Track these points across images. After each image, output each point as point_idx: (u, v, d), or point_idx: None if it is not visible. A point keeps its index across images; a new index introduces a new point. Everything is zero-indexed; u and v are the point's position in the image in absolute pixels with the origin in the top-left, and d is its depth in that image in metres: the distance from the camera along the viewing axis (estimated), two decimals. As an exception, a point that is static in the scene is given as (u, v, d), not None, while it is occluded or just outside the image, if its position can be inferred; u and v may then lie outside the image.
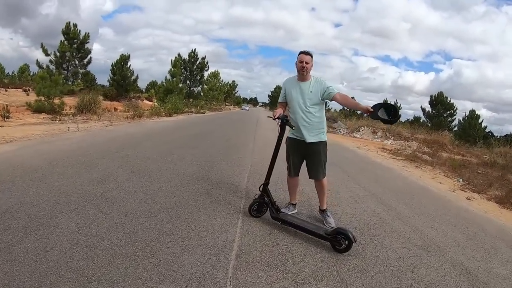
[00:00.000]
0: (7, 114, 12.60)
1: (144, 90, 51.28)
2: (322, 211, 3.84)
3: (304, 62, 3.42)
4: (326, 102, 3.65)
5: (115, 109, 20.20)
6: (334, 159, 8.83)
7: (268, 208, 3.52)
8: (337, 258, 2.94)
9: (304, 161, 3.72)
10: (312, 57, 3.49)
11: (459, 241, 3.81)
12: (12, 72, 48.01)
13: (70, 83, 28.74)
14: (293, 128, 3.47)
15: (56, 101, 15.81)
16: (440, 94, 38.87)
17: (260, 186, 3.53)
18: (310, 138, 3.53)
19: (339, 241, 3.01)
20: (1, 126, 9.97)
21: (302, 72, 3.46)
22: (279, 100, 3.81)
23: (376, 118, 3.17)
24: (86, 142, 7.40)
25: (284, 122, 3.34)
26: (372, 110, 3.17)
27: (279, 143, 3.37)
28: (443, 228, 4.19)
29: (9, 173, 4.32)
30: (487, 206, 5.98)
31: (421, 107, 42.42)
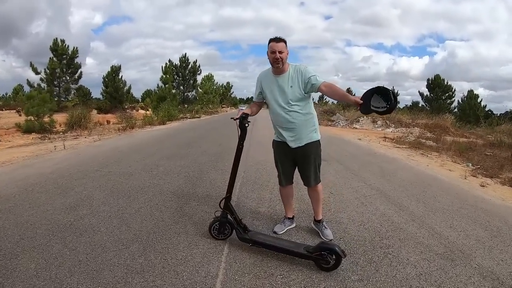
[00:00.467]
0: None
1: (140, 99, 51.01)
2: (318, 221, 3.28)
3: (277, 52, 2.78)
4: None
5: (108, 122, 19.69)
6: (335, 155, 8.32)
7: (234, 228, 2.93)
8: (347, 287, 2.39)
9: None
10: (286, 43, 2.85)
11: (483, 240, 3.27)
12: (6, 94, 47.71)
13: (63, 99, 28.38)
14: (247, 125, 2.82)
15: (46, 119, 15.41)
16: (437, 77, 38.42)
17: (221, 202, 2.92)
18: (297, 141, 2.95)
19: (325, 258, 2.50)
20: None
21: (276, 64, 2.83)
22: (253, 99, 3.20)
23: (368, 112, 2.46)
24: (69, 161, 6.88)
25: (242, 122, 2.79)
26: (362, 101, 2.46)
27: (239, 148, 2.84)
28: (463, 226, 3.65)
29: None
30: (503, 191, 5.46)
31: (418, 91, 42.50)
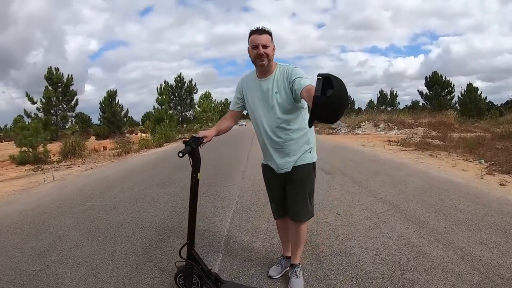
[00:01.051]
0: None
1: (140, 122, 50.85)
2: (291, 265, 2.56)
3: (260, 46, 2.15)
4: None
5: (104, 148, 19.12)
6: (339, 165, 7.77)
7: (201, 281, 2.22)
8: None
9: None
10: (271, 35, 2.22)
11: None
12: (6, 125, 47.60)
13: (61, 127, 28.09)
14: (201, 145, 2.21)
15: (41, 149, 14.95)
16: (435, 73, 38.38)
17: (181, 249, 2.24)
18: (285, 165, 2.30)
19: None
20: None
21: (261, 61, 2.18)
22: (229, 107, 2.56)
23: (321, 119, 1.40)
24: (53, 195, 6.38)
25: (192, 149, 2.11)
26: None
27: (193, 183, 2.18)
28: (493, 239, 3.09)
29: None
30: (525, 189, 4.88)
31: (418, 90, 42.73)
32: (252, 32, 2.20)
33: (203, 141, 2.22)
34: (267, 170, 2.45)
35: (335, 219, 3.87)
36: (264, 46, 2.15)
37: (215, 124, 2.51)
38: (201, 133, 2.25)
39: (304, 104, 2.22)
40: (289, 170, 2.29)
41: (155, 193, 5.79)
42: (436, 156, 9.06)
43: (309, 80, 2.05)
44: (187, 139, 2.15)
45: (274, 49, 2.24)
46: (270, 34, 2.21)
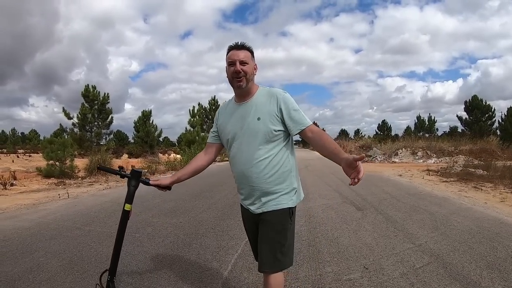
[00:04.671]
0: (12, 182, 12.10)
1: (176, 143, 51.93)
2: None
3: (238, 63, 1.91)
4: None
5: (132, 166, 19.28)
6: (372, 199, 7.11)
7: None
8: None
9: None
10: (252, 53, 2.00)
11: None
12: (44, 137, 50.04)
13: (95, 144, 28.87)
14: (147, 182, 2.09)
15: (68, 163, 15.22)
16: (475, 97, 37.21)
17: (101, 275, 1.98)
18: (256, 204, 1.97)
19: None
20: None
21: (238, 81, 1.93)
22: (207, 140, 2.30)
23: None
24: (56, 214, 6.22)
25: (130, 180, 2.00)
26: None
27: (122, 216, 1.99)
28: None
29: None
30: None
31: (457, 115, 41.93)
32: (230, 48, 1.99)
33: (148, 181, 2.10)
34: (244, 212, 2.16)
35: (361, 276, 3.18)
36: (242, 63, 1.92)
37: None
38: (153, 182, 2.12)
39: (288, 136, 2.00)
40: (260, 212, 1.96)
41: (160, 223, 5.40)
42: (481, 189, 8.35)
43: (307, 117, 1.94)
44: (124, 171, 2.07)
45: (255, 69, 2.03)
46: (250, 51, 2.00)
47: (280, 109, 1.90)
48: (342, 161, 1.72)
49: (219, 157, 28.57)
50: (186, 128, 26.37)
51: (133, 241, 4.36)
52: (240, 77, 1.91)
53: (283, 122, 1.92)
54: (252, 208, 1.99)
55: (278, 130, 1.91)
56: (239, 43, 1.98)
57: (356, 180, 1.68)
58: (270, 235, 1.94)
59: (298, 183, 2.06)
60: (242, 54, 1.93)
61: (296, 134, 1.95)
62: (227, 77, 2.00)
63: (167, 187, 2.14)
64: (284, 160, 1.96)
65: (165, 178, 2.16)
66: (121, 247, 1.98)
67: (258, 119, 1.91)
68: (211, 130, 2.23)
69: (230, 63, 1.94)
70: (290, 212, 1.96)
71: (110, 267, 1.95)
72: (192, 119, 26.27)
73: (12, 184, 11.92)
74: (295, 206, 2.01)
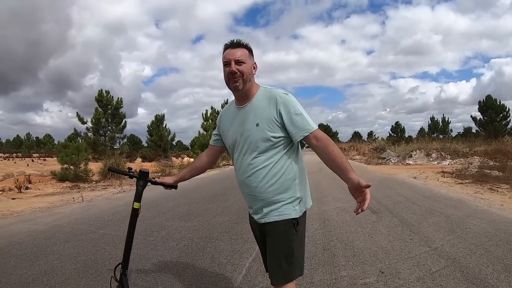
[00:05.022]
0: (27, 185, 12.48)
1: (189, 147, 52.30)
2: None
3: (233, 63, 1.80)
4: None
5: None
6: (387, 202, 7.01)
7: None
8: None
9: None
10: (250, 51, 1.88)
11: None
12: (58, 142, 50.80)
13: (109, 148, 29.16)
14: (154, 182, 2.14)
15: (82, 167, 15.41)
16: (489, 97, 37.03)
17: (116, 268, 2.12)
18: (261, 215, 1.87)
19: None
20: (13, 198, 9.75)
21: (234, 82, 1.82)
22: (210, 142, 2.23)
23: None
24: (70, 218, 6.27)
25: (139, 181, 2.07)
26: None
27: (132, 214, 2.08)
28: None
29: None
30: None
31: (471, 116, 41.44)
32: (226, 47, 1.86)
33: (154, 180, 2.14)
34: (251, 221, 2.07)
35: (377, 280, 3.12)
36: (238, 62, 1.79)
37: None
38: (158, 180, 2.16)
39: (292, 141, 1.85)
40: (265, 221, 1.85)
41: (174, 226, 5.39)
42: (497, 190, 8.18)
43: (311, 121, 1.78)
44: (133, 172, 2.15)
45: (255, 68, 1.89)
46: (248, 48, 1.87)
47: (280, 114, 1.77)
48: (348, 181, 1.61)
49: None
50: (199, 132, 26.56)
51: (147, 245, 4.36)
52: (236, 78, 1.80)
53: (284, 128, 1.78)
54: (255, 217, 1.92)
55: (279, 137, 1.79)
56: (235, 41, 1.86)
57: (360, 210, 1.57)
58: (275, 247, 1.84)
59: (305, 191, 1.92)
60: (239, 53, 1.81)
61: (300, 141, 1.81)
62: (224, 78, 1.89)
63: (172, 186, 2.16)
64: (286, 168, 1.83)
65: (169, 177, 2.17)
66: (132, 242, 2.05)
67: (257, 125, 1.80)
68: (213, 132, 2.17)
69: (226, 63, 1.83)
70: (294, 222, 1.82)
71: (123, 261, 2.04)
72: (205, 123, 26.42)
73: (27, 188, 12.25)
74: (301, 216, 1.86)
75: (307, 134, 1.74)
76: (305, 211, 1.91)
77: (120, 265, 2.06)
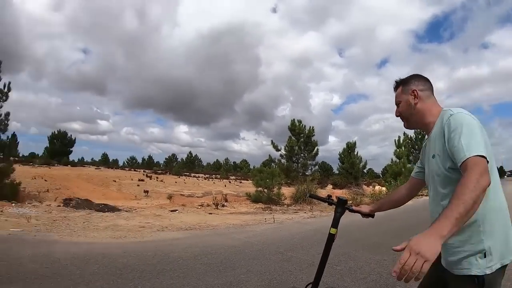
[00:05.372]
0: (223, 203, 14.29)
1: (380, 175, 50.61)
2: None
3: (396, 107, 1.75)
4: None
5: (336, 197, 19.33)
6: None
7: None
8: None
9: None
10: (403, 84, 1.70)
11: None
12: (254, 166, 56.54)
13: (301, 174, 30.50)
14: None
15: (275, 191, 16.36)
16: None
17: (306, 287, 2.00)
18: (443, 259, 1.52)
19: None
20: (210, 213, 11.12)
21: (403, 123, 1.76)
22: (412, 174, 1.97)
23: None
24: (262, 237, 6.52)
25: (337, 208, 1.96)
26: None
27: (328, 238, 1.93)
28: None
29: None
30: None
31: None
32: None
33: (352, 208, 2.02)
34: None
35: None
36: (397, 104, 1.74)
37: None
38: (355, 208, 2.05)
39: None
40: (444, 270, 1.52)
41: (363, 258, 4.87)
42: None
43: (473, 146, 1.29)
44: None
45: (415, 96, 1.64)
46: (402, 83, 1.72)
47: (445, 138, 1.42)
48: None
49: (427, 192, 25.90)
50: (391, 159, 25.02)
51: (333, 274, 4.04)
52: (402, 120, 1.74)
53: (452, 155, 1.39)
54: (443, 262, 1.54)
55: (453, 169, 1.40)
56: (395, 81, 1.77)
57: (393, 273, 1.08)
58: None
59: (496, 240, 1.38)
60: (396, 94, 1.75)
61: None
62: None
63: (369, 215, 2.07)
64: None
65: (366, 206, 2.08)
66: (325, 266, 1.97)
67: (433, 156, 1.54)
68: (417, 164, 1.91)
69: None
70: (476, 281, 1.37)
71: (314, 281, 2.00)
72: (397, 150, 24.80)
73: (223, 205, 13.93)
74: (489, 274, 1.35)
75: (459, 163, 1.30)
76: (501, 268, 1.38)
77: (311, 285, 2.00)
